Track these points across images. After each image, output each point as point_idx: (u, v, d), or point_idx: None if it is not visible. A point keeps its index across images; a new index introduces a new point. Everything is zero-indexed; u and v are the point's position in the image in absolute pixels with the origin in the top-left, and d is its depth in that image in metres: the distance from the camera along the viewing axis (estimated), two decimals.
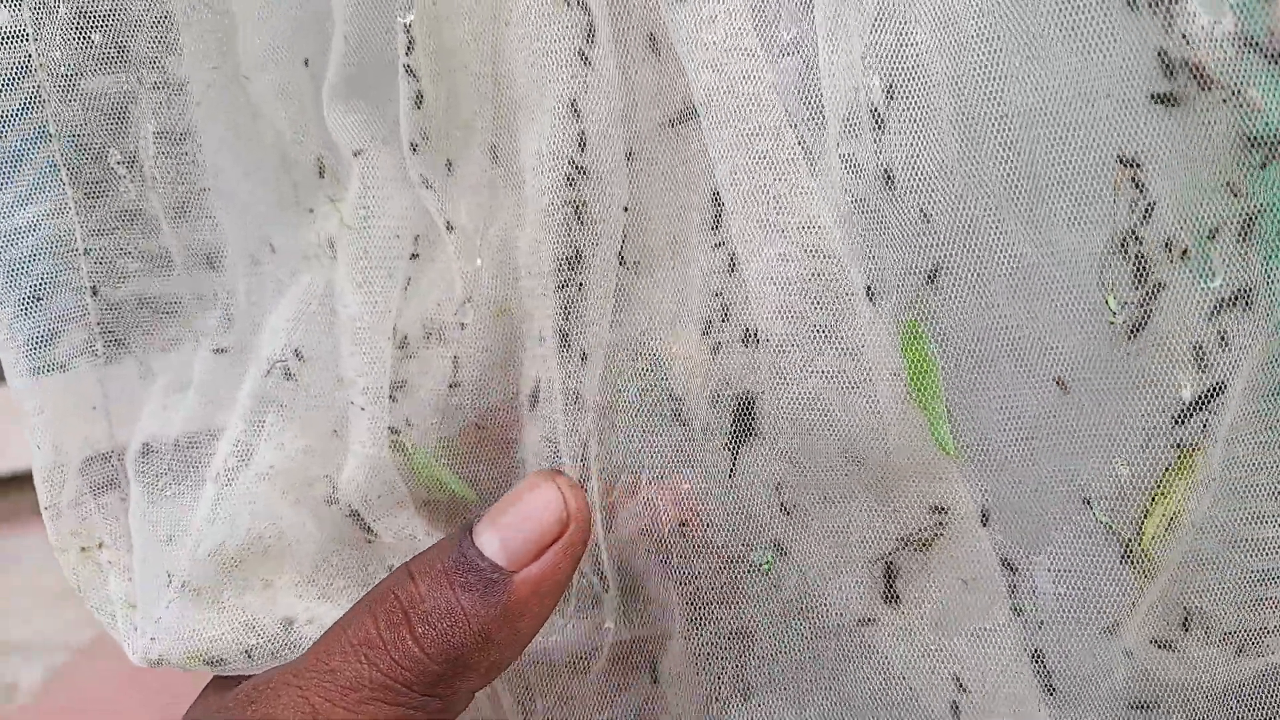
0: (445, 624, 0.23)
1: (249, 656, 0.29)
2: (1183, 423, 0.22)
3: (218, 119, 0.30)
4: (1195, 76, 0.20)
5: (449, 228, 0.27)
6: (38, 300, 0.30)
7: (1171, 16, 0.20)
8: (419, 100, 0.26)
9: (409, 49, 0.25)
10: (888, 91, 0.23)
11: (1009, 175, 0.23)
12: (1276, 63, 0.20)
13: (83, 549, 0.31)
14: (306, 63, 0.28)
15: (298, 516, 0.30)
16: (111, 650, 0.32)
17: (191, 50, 0.29)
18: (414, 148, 0.26)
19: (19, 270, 0.30)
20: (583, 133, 0.25)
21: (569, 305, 0.26)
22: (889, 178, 0.23)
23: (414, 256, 0.28)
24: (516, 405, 0.28)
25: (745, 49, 0.23)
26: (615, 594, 0.28)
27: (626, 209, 0.26)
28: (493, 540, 0.24)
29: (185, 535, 0.30)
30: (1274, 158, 0.20)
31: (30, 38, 0.28)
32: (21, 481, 0.31)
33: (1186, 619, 0.24)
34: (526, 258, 0.27)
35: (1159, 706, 0.25)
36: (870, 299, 0.24)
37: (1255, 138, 0.20)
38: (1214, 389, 0.22)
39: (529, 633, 0.24)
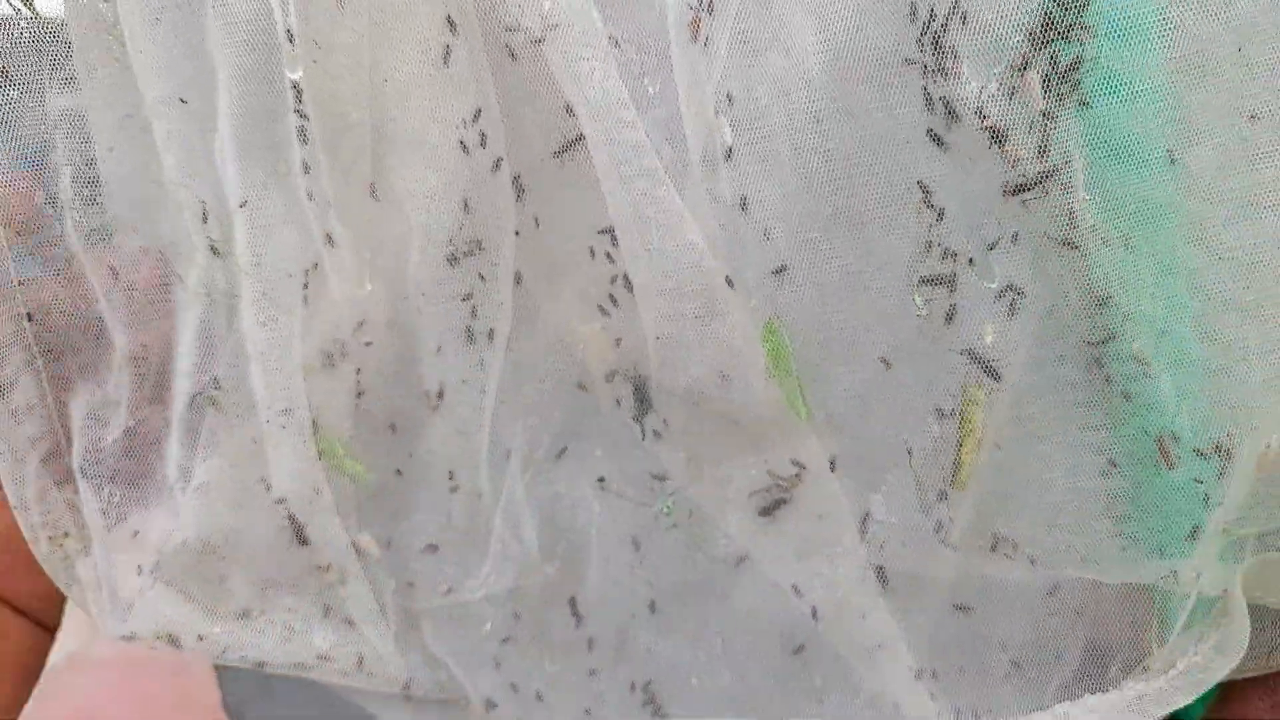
0: None
1: (201, 640, 0.34)
2: (975, 390, 0.29)
3: (132, 162, 0.32)
4: (966, 126, 0.26)
5: (329, 241, 0.30)
6: None
7: (949, 82, 0.26)
8: (304, 136, 0.29)
9: (299, 99, 0.28)
10: (737, 136, 0.28)
11: (837, 200, 0.28)
12: (1029, 118, 0.26)
13: (50, 538, 0.33)
14: (184, 100, 0.30)
15: (243, 520, 0.33)
16: (94, 661, 0.34)
17: (102, 102, 0.31)
18: (306, 168, 0.29)
19: None
20: (473, 167, 0.29)
21: (476, 307, 0.31)
22: (744, 204, 0.29)
23: (306, 286, 0.31)
24: (421, 405, 0.33)
25: (620, 100, 0.27)
26: (534, 545, 0.34)
27: (518, 232, 0.31)
28: None
29: (150, 533, 0.33)
30: (1029, 191, 0.26)
31: None
32: None
33: (994, 542, 0.31)
34: (421, 277, 0.31)
35: (974, 608, 0.32)
36: (731, 287, 0.29)
37: (1013, 176, 0.26)
38: (996, 365, 0.28)
39: None
